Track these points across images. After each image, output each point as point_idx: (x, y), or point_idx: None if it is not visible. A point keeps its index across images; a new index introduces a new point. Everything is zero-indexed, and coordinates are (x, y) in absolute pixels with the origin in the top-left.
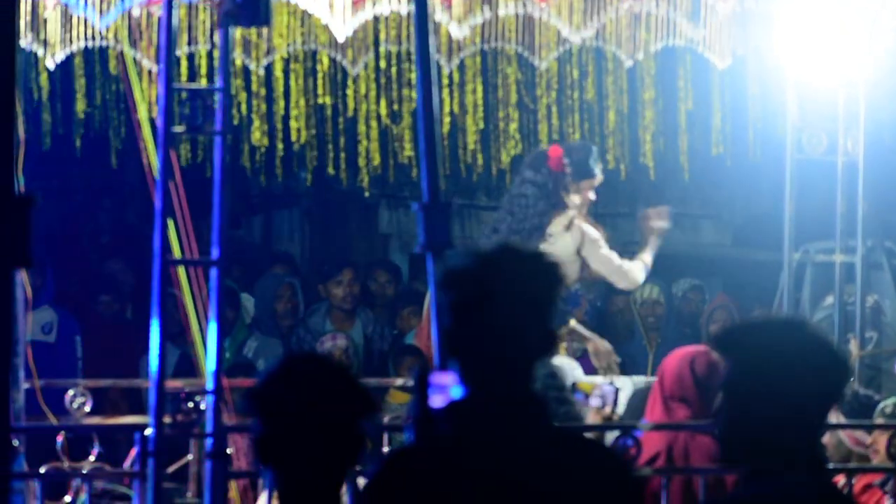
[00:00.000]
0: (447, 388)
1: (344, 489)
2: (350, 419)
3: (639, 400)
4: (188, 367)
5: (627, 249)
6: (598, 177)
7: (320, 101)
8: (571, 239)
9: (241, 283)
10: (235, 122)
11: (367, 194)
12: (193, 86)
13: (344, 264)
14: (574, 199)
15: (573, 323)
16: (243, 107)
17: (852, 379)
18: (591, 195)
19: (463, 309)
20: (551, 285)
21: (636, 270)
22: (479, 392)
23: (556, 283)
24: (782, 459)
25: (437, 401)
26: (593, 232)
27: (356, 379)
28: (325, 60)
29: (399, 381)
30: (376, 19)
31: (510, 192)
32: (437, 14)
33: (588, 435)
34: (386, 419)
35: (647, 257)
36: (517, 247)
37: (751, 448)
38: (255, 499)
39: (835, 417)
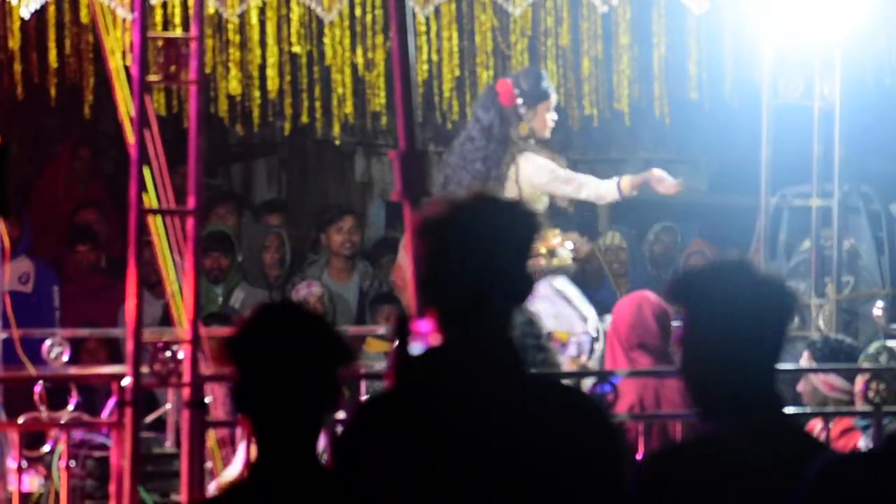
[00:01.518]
0: (426, 336)
1: (321, 437)
2: (326, 367)
3: None
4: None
5: None
6: (553, 96)
7: (295, 49)
8: (527, 177)
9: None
10: (210, 70)
11: (337, 143)
12: (168, 34)
13: (346, 211)
14: (526, 128)
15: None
16: (218, 55)
17: (823, 326)
18: (551, 116)
19: (439, 257)
20: (528, 232)
21: (586, 181)
22: (455, 339)
23: (533, 230)
24: (739, 400)
25: (416, 348)
26: (542, 161)
27: (332, 327)
28: (299, 8)
29: (380, 330)
30: None
31: (461, 135)
32: None
33: (565, 382)
34: (363, 368)
35: (614, 181)
36: (493, 194)
37: (712, 392)
38: (234, 448)
39: (807, 363)
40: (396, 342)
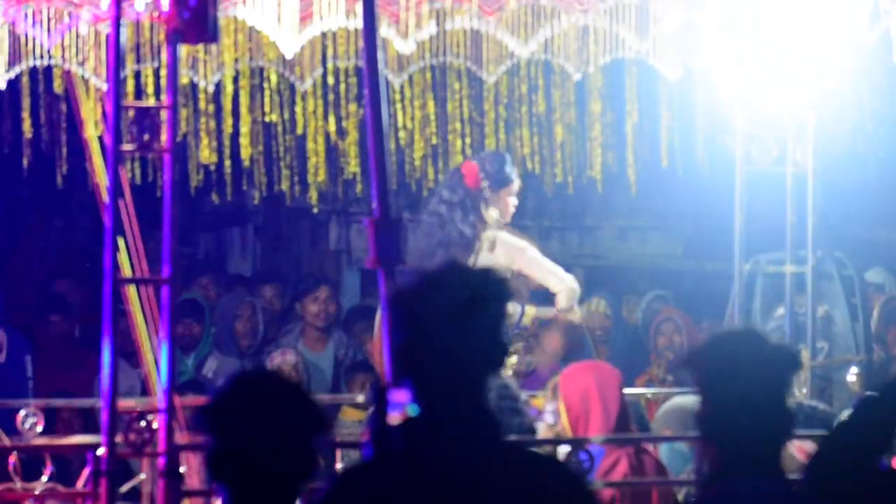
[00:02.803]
0: (403, 405)
1: None
2: (302, 436)
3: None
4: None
5: (577, 262)
6: (516, 182)
7: (268, 118)
8: (503, 257)
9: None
10: (182, 139)
11: (315, 210)
12: (141, 104)
13: (321, 281)
14: (493, 212)
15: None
16: (189, 123)
17: (804, 391)
18: (513, 202)
19: (412, 328)
20: (500, 300)
21: (569, 277)
22: (431, 409)
23: (505, 298)
24: (750, 465)
25: (394, 418)
26: (518, 241)
27: (308, 395)
28: (274, 77)
29: (356, 398)
30: (324, 35)
31: (425, 210)
32: (385, 29)
33: (541, 450)
34: (339, 437)
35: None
36: (464, 264)
37: (729, 457)
38: None
39: None
40: (373, 411)
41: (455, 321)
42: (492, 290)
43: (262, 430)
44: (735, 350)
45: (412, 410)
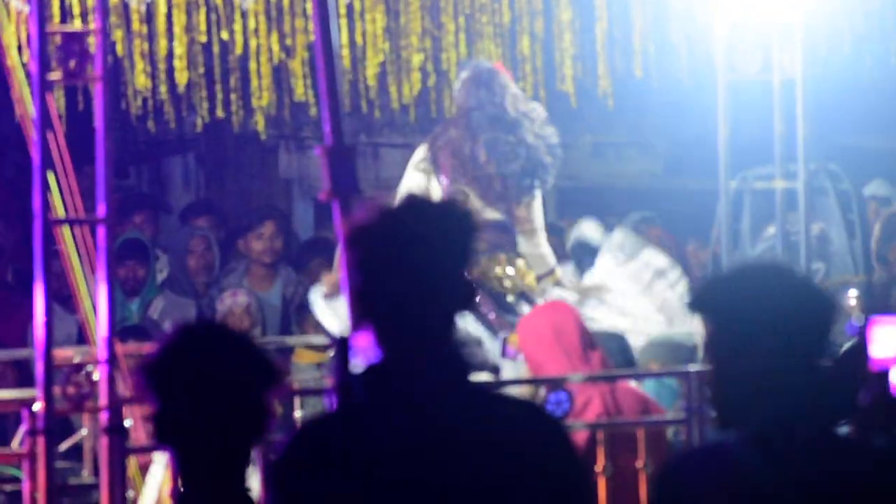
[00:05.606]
0: (367, 351)
1: (253, 464)
2: (253, 392)
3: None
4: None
5: None
6: None
7: (205, 38)
8: None
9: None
10: (114, 64)
11: (263, 137)
12: (68, 28)
13: (266, 216)
14: None
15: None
16: (121, 46)
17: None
18: None
19: (371, 267)
20: (465, 234)
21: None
22: (395, 353)
23: (471, 232)
24: (763, 413)
25: (356, 365)
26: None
27: (258, 346)
28: None
29: (313, 339)
30: None
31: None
32: None
33: (518, 390)
34: (296, 383)
35: None
36: (425, 197)
37: (736, 404)
38: None
39: None
40: (334, 358)
41: (415, 260)
42: (456, 222)
43: (209, 388)
44: (758, 293)
45: (375, 355)
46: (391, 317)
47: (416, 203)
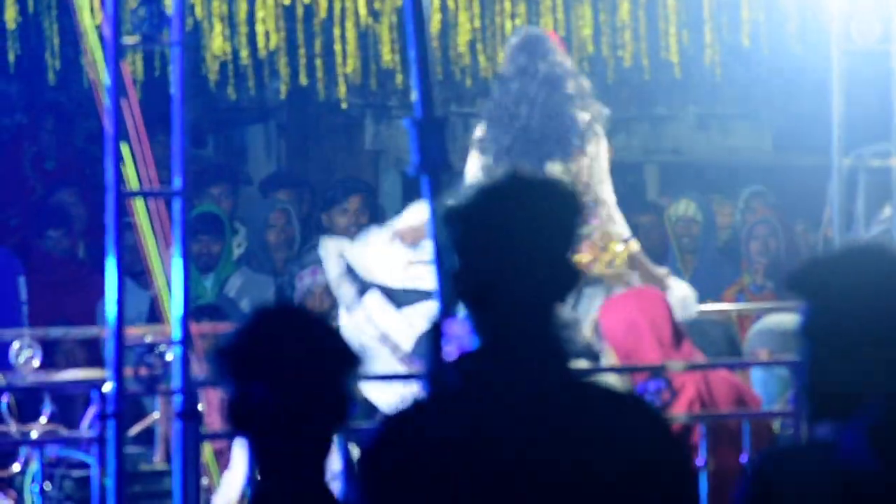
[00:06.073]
0: (461, 338)
1: (334, 454)
2: (333, 377)
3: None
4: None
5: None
6: None
7: (288, 0)
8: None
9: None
10: (192, 28)
11: (344, 106)
12: None
13: (351, 190)
14: None
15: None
16: (200, 9)
17: None
18: None
19: (469, 249)
20: (570, 216)
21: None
22: (493, 341)
23: (576, 214)
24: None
25: (450, 352)
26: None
27: (338, 331)
28: None
29: None
30: None
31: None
32: None
33: (618, 382)
34: None
35: None
36: (528, 174)
37: (844, 399)
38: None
39: None
40: (427, 345)
41: (516, 242)
42: (561, 202)
43: (288, 374)
44: (865, 278)
45: (471, 342)
46: (489, 302)
47: (520, 180)
